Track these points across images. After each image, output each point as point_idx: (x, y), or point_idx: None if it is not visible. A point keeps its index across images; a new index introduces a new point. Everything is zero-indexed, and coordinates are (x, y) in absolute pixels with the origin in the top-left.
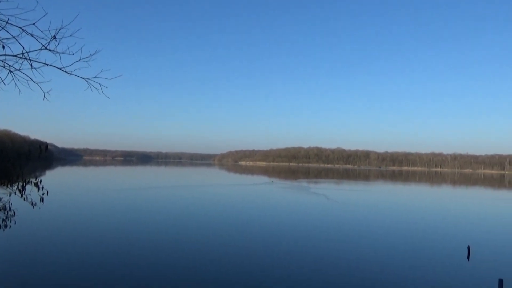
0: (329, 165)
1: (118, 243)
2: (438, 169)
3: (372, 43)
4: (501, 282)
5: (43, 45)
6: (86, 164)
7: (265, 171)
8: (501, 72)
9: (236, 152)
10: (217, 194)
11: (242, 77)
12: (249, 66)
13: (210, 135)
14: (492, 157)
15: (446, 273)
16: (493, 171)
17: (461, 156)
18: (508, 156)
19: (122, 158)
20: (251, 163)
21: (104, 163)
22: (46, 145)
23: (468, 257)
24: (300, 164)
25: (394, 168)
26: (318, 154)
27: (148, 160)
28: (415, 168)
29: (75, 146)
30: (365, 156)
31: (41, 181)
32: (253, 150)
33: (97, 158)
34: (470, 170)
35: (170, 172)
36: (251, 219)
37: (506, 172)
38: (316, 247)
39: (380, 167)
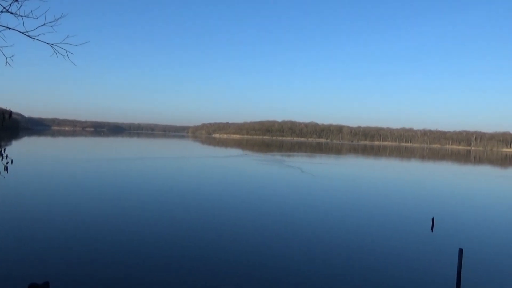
0: (302, 139)
1: (84, 215)
2: (408, 144)
3: (348, 18)
4: (461, 251)
5: (4, 8)
6: (54, 134)
7: (239, 144)
8: (470, 50)
9: (210, 124)
10: (191, 166)
11: (217, 50)
12: (225, 39)
13: (184, 106)
14: (459, 133)
15: (411, 243)
16: (460, 147)
17: (431, 132)
18: (475, 132)
19: (92, 129)
20: (225, 135)
21: (73, 133)
22: (9, 112)
23: (432, 228)
24: (274, 138)
25: (366, 142)
26: (292, 127)
27: (120, 131)
28: (386, 143)
29: (43, 116)
30: (338, 130)
31: (5, 149)
32: (227, 123)
33: (66, 128)
34: (439, 146)
35: (143, 143)
36: (225, 192)
37: (472, 148)
38: (291, 218)
39: (352, 142)
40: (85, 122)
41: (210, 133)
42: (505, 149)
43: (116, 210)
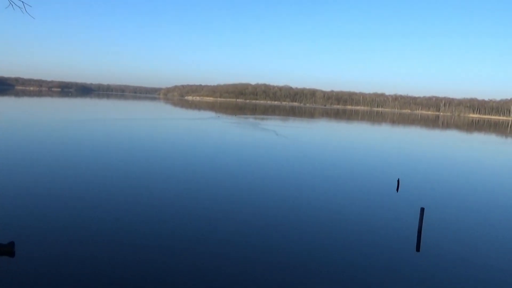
0: (276, 102)
1: (51, 176)
2: (380, 109)
3: None
4: (422, 210)
5: None
6: (19, 94)
7: (212, 107)
8: (440, 18)
9: (183, 86)
10: (162, 128)
11: (189, 10)
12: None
13: (155, 67)
14: (429, 99)
15: (377, 203)
16: (429, 112)
17: (402, 97)
18: (444, 98)
19: (59, 89)
20: (197, 98)
21: (39, 94)
22: None
23: (397, 189)
24: (248, 101)
25: (338, 107)
26: (266, 91)
27: (88, 92)
28: (358, 108)
29: (5, 75)
30: (311, 94)
31: None
32: (200, 85)
33: (31, 88)
34: (409, 111)
35: (113, 105)
36: (198, 155)
37: (441, 113)
38: (264, 179)
39: (325, 106)
40: (51, 82)
41: (183, 95)
42: (471, 115)
43: (84, 172)
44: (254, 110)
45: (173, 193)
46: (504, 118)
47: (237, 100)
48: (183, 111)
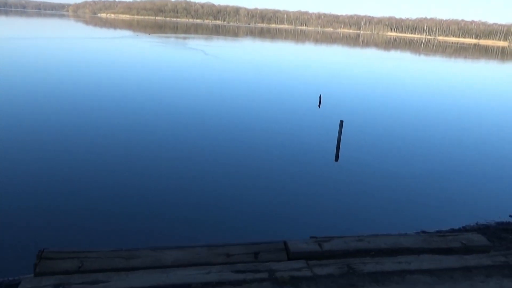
0: (198, 21)
1: None
2: (303, 27)
3: None
4: (341, 123)
5: None
6: None
7: (129, 25)
8: None
9: (94, 2)
10: (76, 49)
11: None
12: None
13: None
14: (351, 17)
15: (299, 119)
16: (350, 31)
17: (325, 15)
18: (365, 16)
19: None
20: (112, 15)
21: None
22: None
23: (319, 105)
24: (168, 19)
25: (263, 25)
26: (187, 8)
27: None
28: (282, 26)
29: None
30: (235, 12)
31: None
32: (114, 1)
33: None
34: (331, 29)
35: (12, 22)
36: (125, 74)
37: (361, 32)
38: (195, 100)
39: (249, 24)
40: None
41: (95, 13)
42: (389, 33)
43: None
44: (176, 29)
45: (95, 118)
46: (418, 36)
47: (156, 18)
48: (97, 29)
